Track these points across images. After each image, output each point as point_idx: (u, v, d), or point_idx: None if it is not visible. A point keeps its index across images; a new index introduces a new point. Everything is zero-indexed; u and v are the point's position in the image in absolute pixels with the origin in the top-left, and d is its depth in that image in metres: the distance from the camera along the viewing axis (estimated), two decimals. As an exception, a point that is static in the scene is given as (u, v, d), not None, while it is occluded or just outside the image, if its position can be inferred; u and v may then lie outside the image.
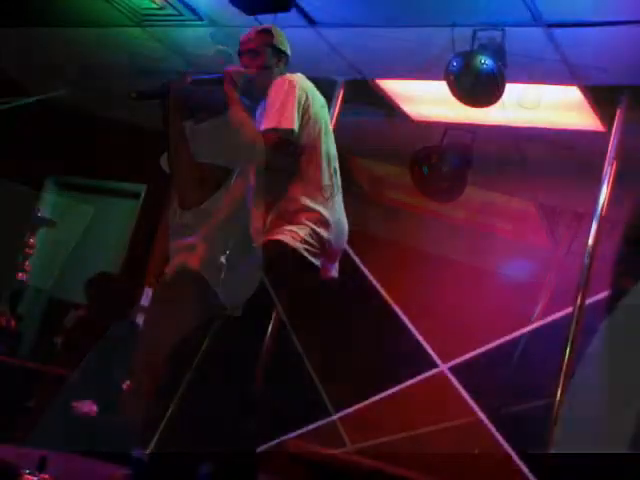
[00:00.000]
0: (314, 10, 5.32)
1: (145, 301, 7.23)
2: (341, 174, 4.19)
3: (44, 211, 7.07)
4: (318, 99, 3.83)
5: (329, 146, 3.83)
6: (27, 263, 5.68)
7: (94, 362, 5.96)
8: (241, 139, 3.66)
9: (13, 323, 5.57)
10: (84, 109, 7.66)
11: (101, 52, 6.79)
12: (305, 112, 3.69)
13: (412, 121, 6.58)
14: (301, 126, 3.66)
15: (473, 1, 4.77)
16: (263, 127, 3.62)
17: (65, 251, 7.75)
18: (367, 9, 5.21)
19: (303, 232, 3.63)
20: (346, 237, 3.90)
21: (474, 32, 5.01)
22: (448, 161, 4.86)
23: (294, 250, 3.59)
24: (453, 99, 5.28)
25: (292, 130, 3.60)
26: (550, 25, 4.83)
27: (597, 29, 4.73)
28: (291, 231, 3.62)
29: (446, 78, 5.14)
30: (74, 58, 7.01)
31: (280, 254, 3.60)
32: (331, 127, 3.94)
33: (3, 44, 6.97)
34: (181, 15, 5.81)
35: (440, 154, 4.87)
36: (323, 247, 3.69)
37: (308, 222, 3.65)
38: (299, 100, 3.66)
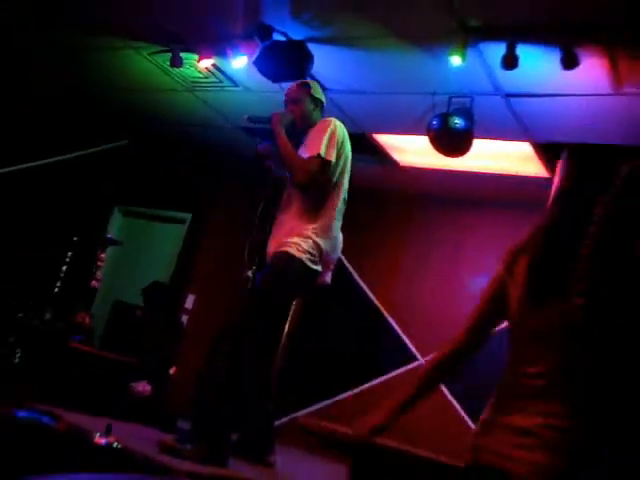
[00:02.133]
0: (325, 80, 5.31)
1: (189, 304, 7.25)
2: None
3: (112, 233, 7.13)
4: (349, 143, 3.83)
5: (346, 182, 3.81)
6: (98, 274, 5.71)
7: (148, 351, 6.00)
8: (287, 163, 3.71)
9: (88, 320, 5.60)
10: (145, 154, 7.71)
11: (159, 110, 6.84)
12: (340, 150, 3.71)
13: (400, 167, 6.60)
14: (336, 162, 3.68)
15: (449, 75, 4.74)
16: (309, 154, 3.61)
17: (128, 265, 7.79)
18: (367, 80, 5.21)
19: (306, 244, 3.61)
20: (340, 249, 3.82)
21: (449, 99, 5.04)
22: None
23: (299, 260, 3.59)
24: (433, 150, 5.27)
25: (331, 162, 3.62)
26: (508, 95, 4.87)
27: (545, 99, 4.77)
28: (296, 243, 3.62)
29: (427, 134, 5.15)
30: (139, 115, 7.11)
31: (288, 264, 3.62)
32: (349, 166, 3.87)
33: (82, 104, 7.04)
34: (221, 82, 5.83)
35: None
36: (321, 256, 3.64)
37: (311, 234, 3.63)
38: (338, 140, 3.68)
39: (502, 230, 6.68)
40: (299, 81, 4.10)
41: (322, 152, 3.59)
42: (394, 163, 6.56)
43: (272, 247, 3.86)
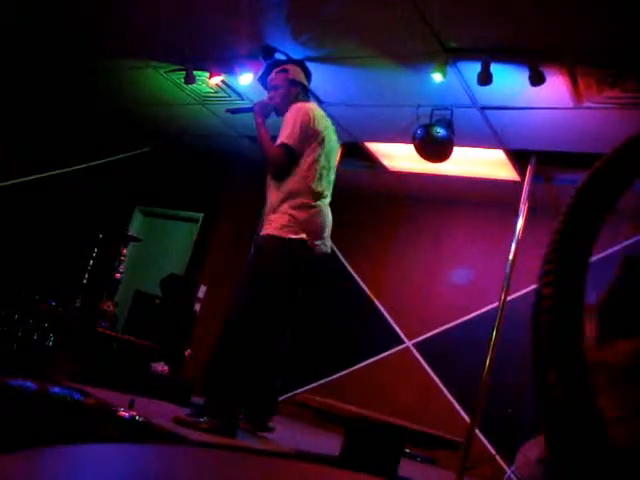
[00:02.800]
0: (322, 93, 5.35)
1: (201, 294, 7.27)
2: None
3: (133, 231, 7.13)
4: (323, 121, 3.64)
5: (324, 158, 3.60)
6: (121, 267, 5.72)
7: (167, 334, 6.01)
8: (263, 152, 3.59)
9: (112, 308, 5.61)
10: (162, 161, 7.73)
11: (175, 121, 6.85)
12: (308, 129, 3.52)
13: (389, 171, 6.62)
14: (303, 141, 3.51)
15: (431, 90, 4.77)
16: (277, 143, 3.50)
17: (147, 259, 7.80)
18: (360, 93, 5.22)
19: (282, 219, 3.45)
20: (327, 219, 3.61)
21: (432, 111, 5.06)
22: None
23: (276, 236, 3.43)
24: (418, 156, 5.28)
25: (294, 146, 3.48)
26: (483, 108, 4.90)
27: (516, 111, 4.79)
28: (273, 220, 3.48)
29: (413, 142, 5.16)
30: (157, 126, 7.12)
31: (270, 245, 3.45)
32: (335, 145, 3.75)
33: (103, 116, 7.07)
34: (230, 97, 5.85)
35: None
36: (302, 226, 3.45)
37: (289, 209, 3.47)
38: (303, 121, 3.51)
39: (477, 226, 6.74)
40: (278, 68, 3.85)
41: (285, 139, 3.48)
42: (383, 168, 6.57)
43: (260, 228, 3.70)
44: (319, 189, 3.56)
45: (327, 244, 3.63)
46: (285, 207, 3.49)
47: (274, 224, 3.47)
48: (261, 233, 3.56)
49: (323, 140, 3.60)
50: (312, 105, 3.70)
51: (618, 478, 0.68)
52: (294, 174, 3.53)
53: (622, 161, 0.79)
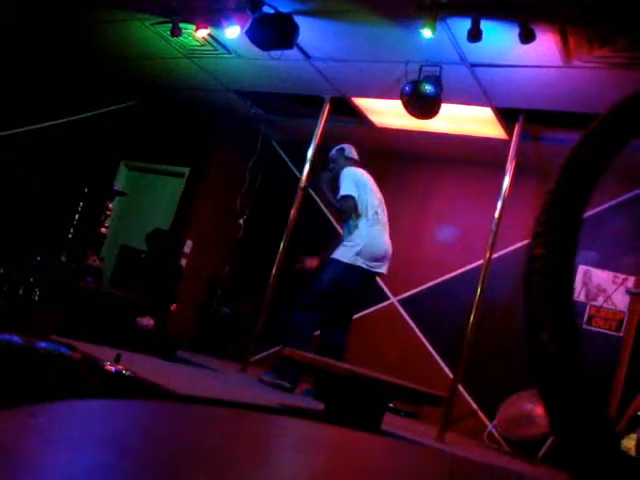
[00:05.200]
0: (309, 48, 5.30)
1: (187, 249, 7.27)
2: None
3: (119, 185, 7.09)
4: (364, 178, 5.00)
5: (372, 204, 4.94)
6: (107, 222, 5.70)
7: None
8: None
9: (98, 262, 5.61)
10: (149, 114, 7.66)
11: (161, 75, 6.78)
12: (357, 183, 4.90)
13: (376, 128, 6.62)
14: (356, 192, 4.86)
15: (420, 46, 4.72)
16: (338, 196, 4.89)
17: (133, 213, 7.77)
18: (347, 48, 5.18)
19: (344, 249, 4.83)
20: (381, 247, 4.92)
21: (420, 67, 5.03)
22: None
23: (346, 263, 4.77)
24: (405, 113, 5.28)
25: (350, 195, 4.85)
26: (472, 65, 4.87)
27: (505, 69, 4.77)
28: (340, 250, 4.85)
29: (401, 98, 5.15)
30: (144, 79, 7.03)
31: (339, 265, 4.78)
32: (375, 187, 5.09)
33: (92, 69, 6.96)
34: (216, 50, 5.79)
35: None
36: (360, 254, 4.77)
37: (347, 243, 4.83)
38: (350, 179, 4.90)
39: (464, 184, 6.75)
40: (338, 146, 5.23)
41: (343, 192, 4.86)
42: (370, 124, 6.56)
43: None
44: (374, 224, 5.04)
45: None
46: (348, 240, 5.02)
47: (339, 253, 4.99)
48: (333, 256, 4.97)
49: (370, 189, 5.21)
50: (353, 169, 5.16)
51: (613, 437, 0.70)
52: (354, 218, 5.11)
53: (618, 121, 0.79)
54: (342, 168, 5.05)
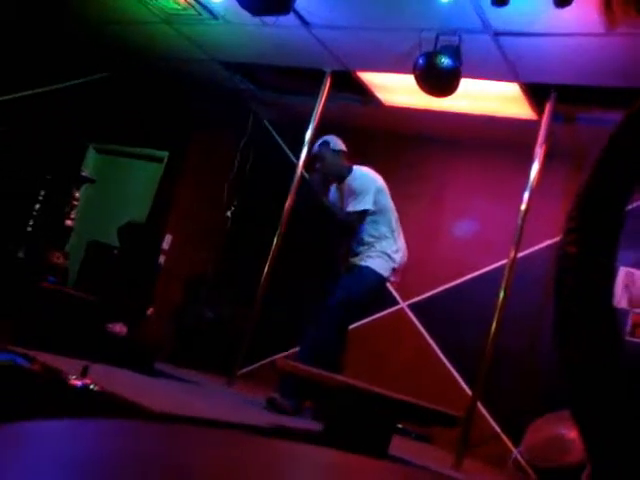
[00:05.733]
0: (307, 14, 5.27)
1: (166, 245, 7.26)
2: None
3: (87, 171, 7.08)
4: (381, 182, 5.04)
5: (391, 204, 5.08)
6: (73, 213, 5.69)
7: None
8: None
9: (62, 260, 5.60)
10: (123, 89, 7.64)
11: (135, 44, 6.75)
12: (376, 197, 4.93)
13: (384, 106, 6.59)
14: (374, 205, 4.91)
15: (437, 11, 4.72)
16: (355, 209, 4.90)
17: (103, 204, 7.75)
18: (352, 13, 5.16)
19: (392, 264, 4.95)
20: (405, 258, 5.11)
21: (437, 36, 5.01)
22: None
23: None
24: (418, 89, 5.27)
25: (367, 210, 4.88)
26: (497, 33, 4.85)
27: (535, 38, 4.75)
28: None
29: (413, 72, 5.14)
30: (114, 49, 7.01)
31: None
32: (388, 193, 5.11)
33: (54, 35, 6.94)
34: (200, 15, 5.76)
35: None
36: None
37: (395, 252, 4.99)
38: (372, 191, 4.91)
39: (485, 171, 6.73)
40: (320, 140, 5.13)
41: (362, 206, 4.89)
42: (378, 102, 6.55)
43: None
44: (392, 234, 5.14)
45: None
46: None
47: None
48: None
49: (388, 199, 5.27)
50: (375, 177, 5.18)
51: None
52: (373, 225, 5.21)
53: None
54: (337, 166, 5.06)
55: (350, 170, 5.08)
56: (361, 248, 5.00)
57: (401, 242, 5.11)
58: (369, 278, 4.91)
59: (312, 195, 5.18)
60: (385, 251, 4.95)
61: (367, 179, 5.01)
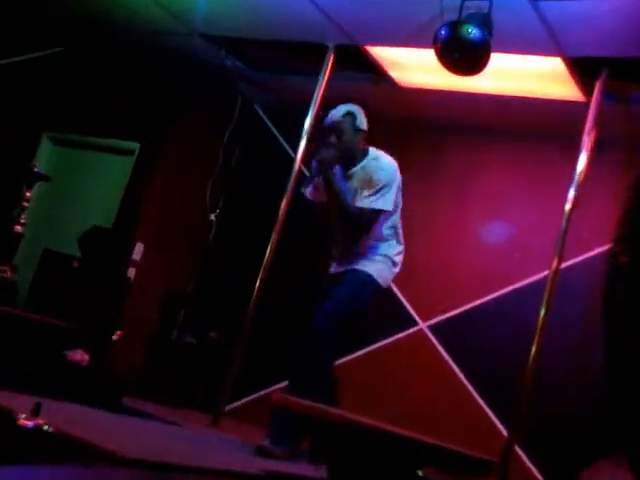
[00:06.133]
0: (307, -23, 5.31)
1: (137, 256, 7.24)
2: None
3: (40, 166, 7.06)
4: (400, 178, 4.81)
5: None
6: (23, 217, 5.67)
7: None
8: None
9: (10, 274, 5.57)
10: (80, 66, 7.62)
11: (97, 12, 6.72)
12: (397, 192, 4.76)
13: (399, 87, 6.58)
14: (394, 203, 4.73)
15: (462, -29, 4.76)
16: (372, 206, 4.62)
17: (60, 206, 7.73)
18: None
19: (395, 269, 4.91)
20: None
21: (462, 1, 4.97)
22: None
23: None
24: (440, 67, 5.23)
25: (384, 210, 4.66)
26: (535, -4, 4.84)
27: (581, 2, 4.72)
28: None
29: (434, 46, 5.10)
30: (72, 17, 6.98)
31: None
32: None
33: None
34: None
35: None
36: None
37: (397, 257, 4.90)
38: (398, 188, 4.77)
39: (521, 166, 6.71)
40: (341, 109, 4.80)
41: (382, 205, 4.65)
42: (392, 82, 6.55)
43: None
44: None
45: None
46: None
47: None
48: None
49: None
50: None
51: None
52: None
53: None
54: (353, 146, 4.77)
55: (365, 154, 4.83)
56: (359, 249, 4.80)
57: (403, 240, 5.01)
58: (366, 287, 4.77)
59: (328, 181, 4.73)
60: (389, 255, 4.83)
61: (393, 171, 4.77)
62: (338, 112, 4.78)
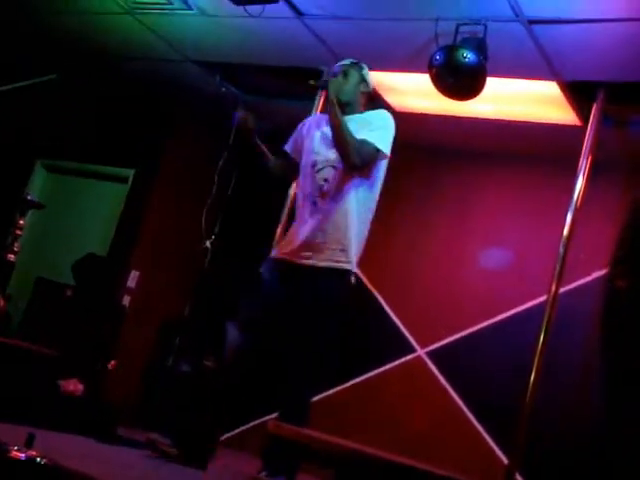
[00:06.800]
0: (301, 2, 5.30)
1: (131, 283, 7.21)
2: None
3: (33, 193, 7.06)
4: None
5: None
6: (16, 245, 5.65)
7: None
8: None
9: (2, 303, 5.55)
10: (74, 93, 7.62)
11: (93, 38, 6.77)
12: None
13: (395, 112, 6.58)
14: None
15: (457, -4, 4.78)
16: (373, 140, 4.22)
17: (54, 233, 7.72)
18: (353, 1, 5.19)
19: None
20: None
21: (457, 26, 5.02)
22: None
23: None
24: (436, 91, 5.27)
25: (386, 155, 4.33)
26: (530, 21, 4.84)
27: (576, 26, 4.74)
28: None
29: (429, 71, 5.14)
30: (68, 44, 6.99)
31: None
32: None
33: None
34: (171, 4, 5.79)
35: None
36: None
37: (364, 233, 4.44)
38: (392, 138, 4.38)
39: (519, 189, 6.72)
40: (354, 60, 4.58)
41: (380, 144, 4.25)
42: (387, 107, 6.52)
43: None
44: None
45: None
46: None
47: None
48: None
49: None
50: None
51: None
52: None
53: None
54: (354, 97, 4.46)
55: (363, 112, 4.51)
56: (334, 236, 4.25)
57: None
58: (343, 286, 4.33)
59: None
60: (360, 233, 4.35)
61: (390, 118, 4.41)
62: (347, 60, 4.60)
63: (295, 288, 4.26)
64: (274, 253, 4.51)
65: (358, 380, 6.84)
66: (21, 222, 5.61)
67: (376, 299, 6.98)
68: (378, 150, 4.22)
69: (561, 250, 5.12)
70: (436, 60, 5.06)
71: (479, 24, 4.96)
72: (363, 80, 4.50)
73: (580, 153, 5.23)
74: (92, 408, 5.31)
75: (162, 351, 7.20)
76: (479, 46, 4.97)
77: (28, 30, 6.93)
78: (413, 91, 6.12)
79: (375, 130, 4.25)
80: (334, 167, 4.23)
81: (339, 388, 6.89)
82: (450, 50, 5.00)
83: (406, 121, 6.59)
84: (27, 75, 7.47)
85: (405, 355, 6.72)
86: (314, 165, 4.33)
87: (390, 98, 6.42)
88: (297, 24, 5.59)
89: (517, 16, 4.82)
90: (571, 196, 5.18)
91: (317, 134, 4.45)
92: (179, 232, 7.49)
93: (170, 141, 7.51)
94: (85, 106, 7.71)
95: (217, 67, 6.77)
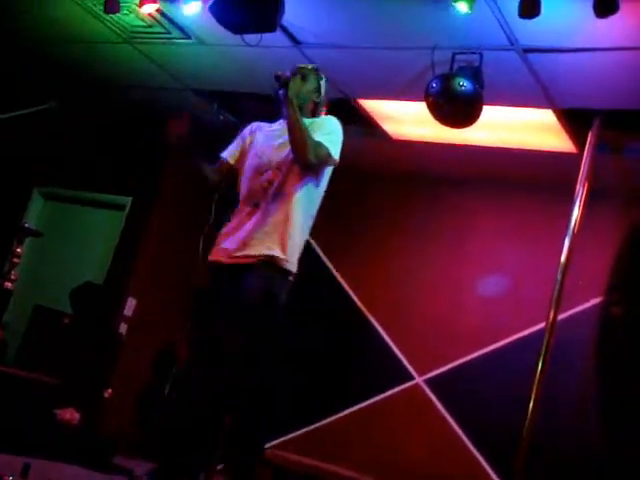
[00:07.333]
0: (298, 31, 5.31)
1: (128, 311, 7.20)
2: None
3: (31, 221, 7.07)
4: None
5: None
6: (13, 272, 5.65)
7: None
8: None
9: (-1, 331, 5.56)
10: (72, 121, 7.64)
11: (91, 67, 6.78)
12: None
13: (392, 140, 6.60)
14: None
15: (453, 25, 4.73)
16: (327, 144, 4.12)
17: (51, 261, 7.70)
18: (350, 30, 5.19)
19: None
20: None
21: (453, 55, 5.02)
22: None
23: None
24: (432, 119, 5.26)
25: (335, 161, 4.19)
26: (526, 50, 4.85)
27: (571, 55, 4.75)
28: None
29: (425, 99, 5.15)
30: (66, 73, 7.01)
31: None
32: None
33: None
34: (169, 33, 5.79)
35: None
36: None
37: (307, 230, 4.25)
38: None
39: (516, 218, 6.73)
40: (314, 66, 4.54)
41: (333, 149, 4.13)
42: (384, 135, 6.57)
43: None
44: None
45: None
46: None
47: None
48: None
49: None
50: None
51: None
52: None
53: None
54: (308, 100, 4.39)
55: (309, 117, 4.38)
56: (272, 236, 4.15)
57: None
58: (282, 284, 4.19)
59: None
60: (303, 229, 4.23)
61: (340, 126, 4.32)
62: (309, 64, 4.59)
63: (232, 288, 4.16)
64: (210, 257, 4.46)
65: (357, 408, 6.82)
66: (19, 250, 5.62)
67: (374, 327, 6.97)
68: (330, 155, 4.14)
69: (559, 277, 5.12)
70: (432, 88, 5.07)
71: (475, 53, 4.97)
72: (318, 90, 4.45)
73: (576, 180, 5.24)
74: (88, 437, 5.29)
75: (158, 379, 7.16)
76: (475, 74, 4.97)
77: (27, 59, 6.95)
78: (410, 119, 6.12)
79: (327, 134, 4.19)
80: (279, 169, 4.18)
81: (338, 415, 6.87)
82: (446, 78, 5.00)
83: (403, 150, 6.66)
84: (26, 103, 7.51)
85: (403, 383, 6.71)
86: (258, 168, 4.30)
87: (387, 126, 6.43)
88: (295, 52, 5.57)
89: (512, 45, 4.82)
90: (568, 223, 5.19)
91: (260, 138, 4.47)
92: (176, 260, 7.48)
93: (167, 170, 7.51)
94: (83, 134, 7.72)
95: (214, 95, 6.79)
